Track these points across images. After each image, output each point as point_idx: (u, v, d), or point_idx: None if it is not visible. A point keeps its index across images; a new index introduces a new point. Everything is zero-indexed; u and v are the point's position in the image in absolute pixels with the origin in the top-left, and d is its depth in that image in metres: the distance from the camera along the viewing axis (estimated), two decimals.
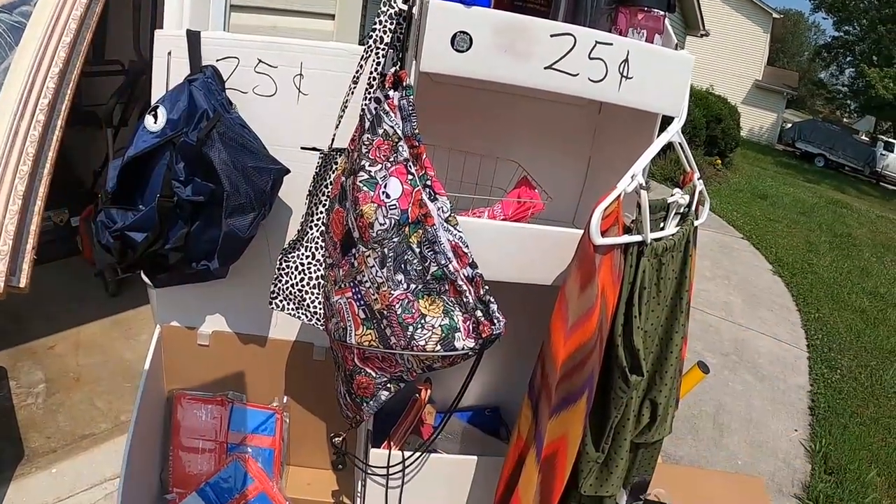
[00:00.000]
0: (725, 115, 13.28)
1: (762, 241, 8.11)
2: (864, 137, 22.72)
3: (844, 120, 32.47)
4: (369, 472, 1.49)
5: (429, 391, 1.57)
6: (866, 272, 7.92)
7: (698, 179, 1.42)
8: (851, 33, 25.37)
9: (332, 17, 2.64)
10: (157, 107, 1.54)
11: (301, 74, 1.64)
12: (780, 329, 5.30)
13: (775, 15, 22.53)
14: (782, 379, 4.40)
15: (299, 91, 1.65)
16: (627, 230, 1.25)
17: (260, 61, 1.63)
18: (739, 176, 13.64)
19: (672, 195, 1.33)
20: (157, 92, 1.63)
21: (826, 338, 5.31)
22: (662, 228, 1.34)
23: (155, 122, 1.53)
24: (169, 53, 1.61)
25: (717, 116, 12.89)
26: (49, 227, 3.53)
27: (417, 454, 1.48)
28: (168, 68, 1.63)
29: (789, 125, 23.99)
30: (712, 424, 3.64)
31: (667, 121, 1.38)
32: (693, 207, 1.41)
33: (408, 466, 1.48)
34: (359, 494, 1.64)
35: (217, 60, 1.62)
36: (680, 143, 1.36)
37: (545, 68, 1.18)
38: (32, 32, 1.10)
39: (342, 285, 1.20)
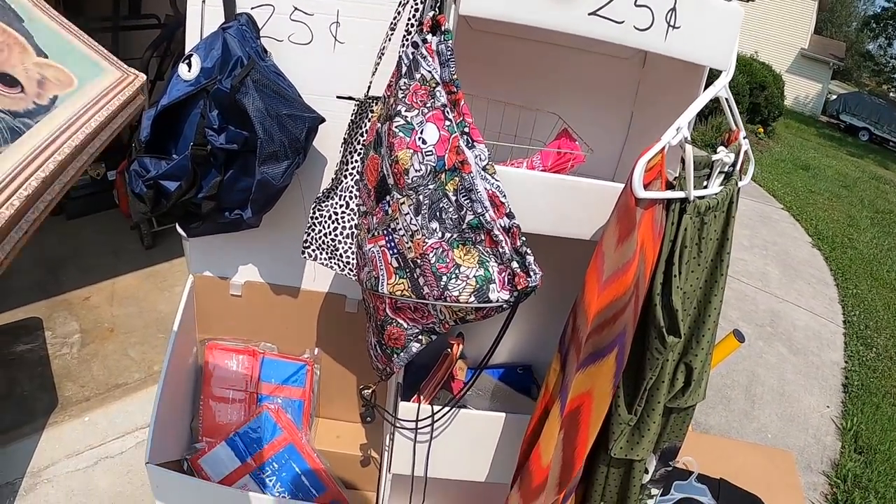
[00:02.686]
0: (770, 82, 12.92)
1: (802, 213, 7.93)
2: None
3: (891, 94, 31.43)
4: (398, 425, 1.49)
5: (461, 346, 1.55)
6: None
7: (744, 139, 1.36)
8: None
9: None
10: (190, 55, 1.52)
11: (337, 22, 1.61)
12: (816, 303, 5.20)
13: None
14: (817, 354, 4.32)
15: (335, 39, 1.62)
16: (670, 186, 1.20)
17: (295, 9, 1.60)
18: (782, 146, 13.33)
19: (717, 153, 1.28)
20: (192, 41, 1.61)
21: (863, 315, 5.20)
22: (706, 187, 1.29)
23: (189, 71, 1.51)
24: (203, 2, 1.59)
25: (762, 84, 12.56)
26: (86, 180, 3.59)
27: (447, 409, 1.47)
28: (202, 17, 1.61)
29: (834, 97, 23.26)
30: (744, 395, 3.60)
31: (711, 77, 1.32)
32: (738, 167, 1.36)
33: (437, 421, 1.47)
34: (387, 448, 1.64)
35: (252, 8, 1.59)
36: (727, 99, 1.30)
37: (589, 14, 1.13)
38: (28, 140, 1.16)
39: (375, 233, 1.18)
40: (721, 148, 1.30)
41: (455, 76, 1.11)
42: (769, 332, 4.43)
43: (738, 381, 3.72)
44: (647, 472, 1.49)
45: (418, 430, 1.49)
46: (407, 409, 1.48)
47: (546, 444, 1.32)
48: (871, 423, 3.64)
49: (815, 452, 3.29)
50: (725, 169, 1.33)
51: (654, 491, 1.59)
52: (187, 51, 1.56)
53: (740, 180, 1.39)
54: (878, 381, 4.17)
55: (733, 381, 3.69)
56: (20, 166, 1.09)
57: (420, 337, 1.19)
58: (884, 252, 7.32)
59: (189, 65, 1.52)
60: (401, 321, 1.18)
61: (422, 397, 1.51)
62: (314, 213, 1.56)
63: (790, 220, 7.64)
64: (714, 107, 9.76)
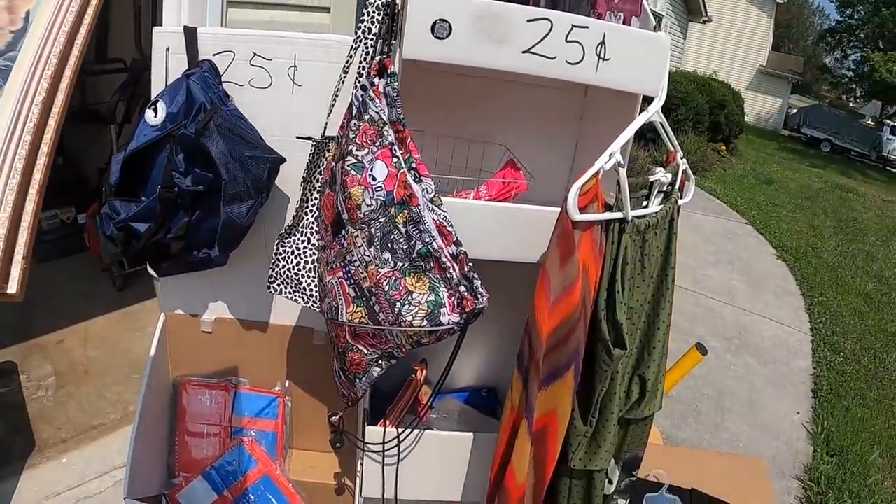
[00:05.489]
0: (729, 100, 13.23)
1: (766, 226, 8.11)
2: (869, 122, 22.66)
3: (850, 105, 32.29)
4: (365, 448, 1.54)
5: (425, 372, 1.61)
6: (871, 256, 7.91)
7: (682, 158, 1.45)
8: (855, 17, 25.25)
9: (328, 10, 2.67)
10: (156, 101, 1.58)
11: (295, 66, 1.68)
12: (783, 313, 5.32)
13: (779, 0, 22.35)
14: (785, 363, 4.42)
15: (293, 82, 1.69)
16: (608, 208, 1.29)
17: (255, 54, 1.67)
18: (744, 162, 13.60)
19: (654, 174, 1.36)
20: (157, 87, 1.67)
21: (830, 321, 5.33)
22: (646, 206, 1.38)
23: (155, 116, 1.57)
24: (167, 49, 1.66)
25: (721, 102, 12.84)
26: (56, 224, 3.61)
27: (412, 430, 1.52)
28: (167, 64, 1.67)
29: (795, 110, 23.83)
30: (714, 407, 3.67)
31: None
32: (678, 186, 1.45)
33: (403, 442, 1.52)
34: (358, 474, 1.69)
35: (214, 55, 1.66)
36: (661, 123, 1.39)
37: (523, 53, 1.22)
38: (17, 73, 1.14)
39: (333, 266, 1.25)
40: (659, 168, 1.39)
41: (402, 115, 1.19)
42: (737, 345, 4.53)
43: (708, 394, 3.79)
44: (610, 482, 1.55)
45: (386, 453, 1.54)
46: (373, 432, 1.53)
47: (519, 462, 1.37)
48: (842, 425, 3.72)
49: (787, 458, 3.36)
50: (664, 188, 1.41)
51: (622, 502, 1.64)
52: (153, 97, 1.63)
53: (681, 198, 1.48)
54: (847, 384, 4.26)
55: (702, 394, 3.77)
56: (18, 102, 1.08)
57: (380, 362, 1.25)
58: (848, 259, 7.50)
59: (155, 110, 1.58)
60: (361, 347, 1.25)
61: (388, 421, 1.57)
62: (278, 249, 1.62)
63: (754, 234, 7.80)
64: (674, 127, 9.96)
